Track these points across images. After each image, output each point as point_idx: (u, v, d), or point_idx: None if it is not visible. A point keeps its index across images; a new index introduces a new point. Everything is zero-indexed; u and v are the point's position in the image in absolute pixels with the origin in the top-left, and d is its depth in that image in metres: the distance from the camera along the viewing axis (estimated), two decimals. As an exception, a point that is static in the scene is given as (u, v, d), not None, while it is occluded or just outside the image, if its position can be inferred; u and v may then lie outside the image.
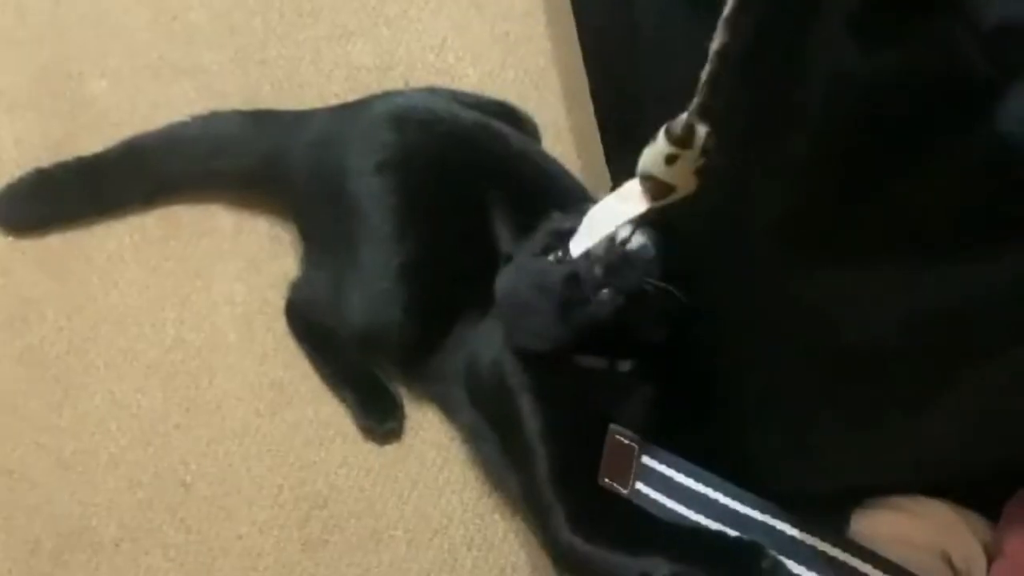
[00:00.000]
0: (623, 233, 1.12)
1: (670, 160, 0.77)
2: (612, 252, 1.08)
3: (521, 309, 1.14)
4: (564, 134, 1.49)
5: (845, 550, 0.97)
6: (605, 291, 1.07)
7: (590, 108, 1.37)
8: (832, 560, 0.97)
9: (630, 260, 1.09)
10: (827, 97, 0.76)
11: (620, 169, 1.28)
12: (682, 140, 0.75)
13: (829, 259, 0.83)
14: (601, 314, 1.08)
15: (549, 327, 1.11)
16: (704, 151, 0.75)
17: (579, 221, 1.12)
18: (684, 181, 0.78)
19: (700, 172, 0.77)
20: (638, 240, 1.11)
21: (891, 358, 0.82)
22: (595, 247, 1.06)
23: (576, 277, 1.08)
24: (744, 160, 0.89)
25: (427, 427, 1.35)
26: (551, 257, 1.12)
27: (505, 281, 1.18)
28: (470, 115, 1.34)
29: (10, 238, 1.37)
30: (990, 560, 0.96)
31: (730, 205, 0.94)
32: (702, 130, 0.74)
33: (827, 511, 1.01)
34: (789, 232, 0.86)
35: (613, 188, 1.21)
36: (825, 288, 0.86)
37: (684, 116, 0.74)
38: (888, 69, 0.70)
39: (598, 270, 1.06)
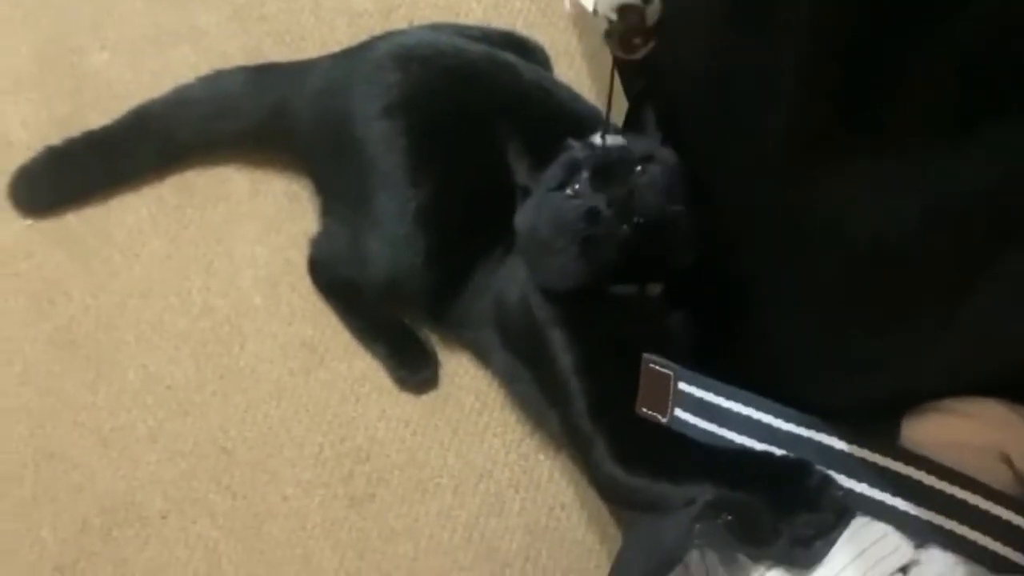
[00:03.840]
0: (640, 154, 1.08)
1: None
2: (629, 182, 1.04)
3: (542, 248, 1.10)
4: (576, 59, 1.44)
5: (896, 459, 0.93)
6: (625, 226, 1.03)
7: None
8: (884, 471, 0.93)
9: (648, 189, 1.05)
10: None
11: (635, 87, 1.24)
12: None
13: (840, 159, 0.78)
14: (623, 249, 1.04)
15: (571, 265, 1.07)
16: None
17: (593, 150, 1.10)
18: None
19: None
20: (655, 166, 1.07)
21: (916, 254, 0.77)
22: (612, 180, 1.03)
23: (595, 212, 1.04)
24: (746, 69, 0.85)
25: (462, 373, 1.33)
26: (568, 191, 1.09)
27: (524, 219, 1.15)
28: (476, 48, 1.29)
29: (28, 221, 1.36)
30: (1052, 457, 0.91)
31: (740, 115, 0.90)
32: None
33: (874, 421, 0.97)
34: (798, 135, 0.81)
35: (629, 110, 1.19)
36: (840, 190, 0.81)
37: None
38: None
39: (616, 203, 1.03)
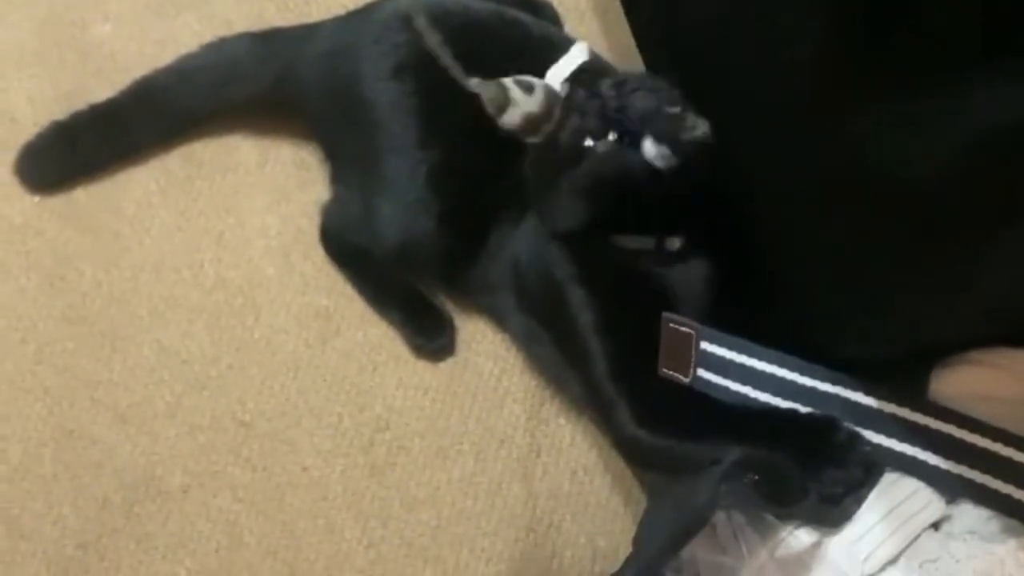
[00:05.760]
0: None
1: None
2: (600, 101, 1.02)
3: (543, 188, 1.09)
4: (587, 15, 1.41)
5: (926, 413, 0.91)
6: (599, 143, 1.01)
7: (612, -15, 1.29)
8: (913, 425, 0.91)
9: (629, 99, 1.01)
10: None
11: (650, 42, 1.21)
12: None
13: (868, 96, 0.75)
14: (601, 170, 1.01)
15: (568, 199, 1.06)
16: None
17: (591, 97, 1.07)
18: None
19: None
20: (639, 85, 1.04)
21: (945, 194, 0.74)
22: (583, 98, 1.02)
23: (580, 135, 1.02)
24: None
25: (480, 338, 1.31)
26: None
27: (529, 162, 1.13)
28: (484, 6, 1.26)
29: (37, 198, 1.35)
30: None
31: (764, 54, 0.87)
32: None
33: (902, 376, 0.95)
34: (824, 73, 0.78)
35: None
36: (869, 130, 0.78)
37: None
38: None
39: (592, 114, 1.01)
